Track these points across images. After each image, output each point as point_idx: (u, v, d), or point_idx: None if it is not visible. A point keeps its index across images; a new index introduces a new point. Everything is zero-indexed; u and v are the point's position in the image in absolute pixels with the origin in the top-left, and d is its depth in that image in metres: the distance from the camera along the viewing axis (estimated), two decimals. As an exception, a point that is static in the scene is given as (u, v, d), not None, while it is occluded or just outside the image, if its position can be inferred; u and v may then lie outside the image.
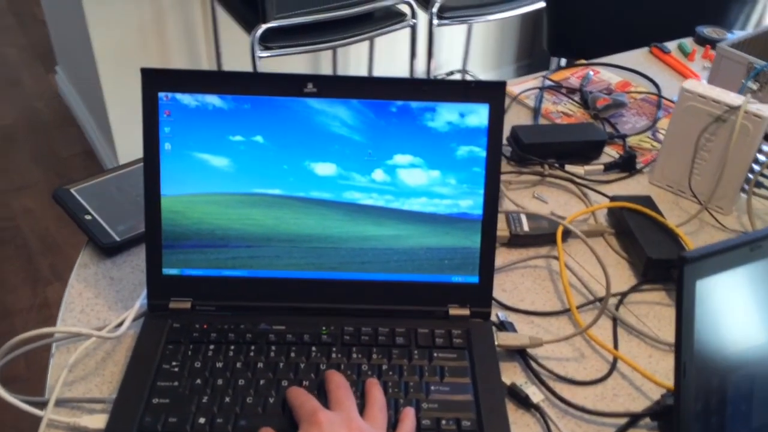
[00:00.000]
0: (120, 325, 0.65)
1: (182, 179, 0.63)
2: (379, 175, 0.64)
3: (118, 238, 0.75)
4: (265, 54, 1.67)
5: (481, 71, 2.79)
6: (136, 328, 0.65)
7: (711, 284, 0.49)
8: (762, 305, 0.51)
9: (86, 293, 0.71)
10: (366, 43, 2.38)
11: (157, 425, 0.56)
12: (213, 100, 0.63)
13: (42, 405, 0.58)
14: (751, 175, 0.83)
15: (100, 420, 0.56)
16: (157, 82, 0.62)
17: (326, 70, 2.40)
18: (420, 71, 2.13)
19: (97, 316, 0.68)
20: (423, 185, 0.65)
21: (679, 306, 0.48)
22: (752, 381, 0.52)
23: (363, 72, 2.46)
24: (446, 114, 0.64)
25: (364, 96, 0.63)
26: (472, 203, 0.65)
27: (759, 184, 0.86)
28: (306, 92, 0.63)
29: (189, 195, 0.64)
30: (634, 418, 0.61)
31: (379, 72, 2.48)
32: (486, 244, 0.66)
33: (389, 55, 2.45)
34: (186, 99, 0.62)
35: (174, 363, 0.61)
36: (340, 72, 2.42)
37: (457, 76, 2.70)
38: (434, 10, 1.86)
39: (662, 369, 0.66)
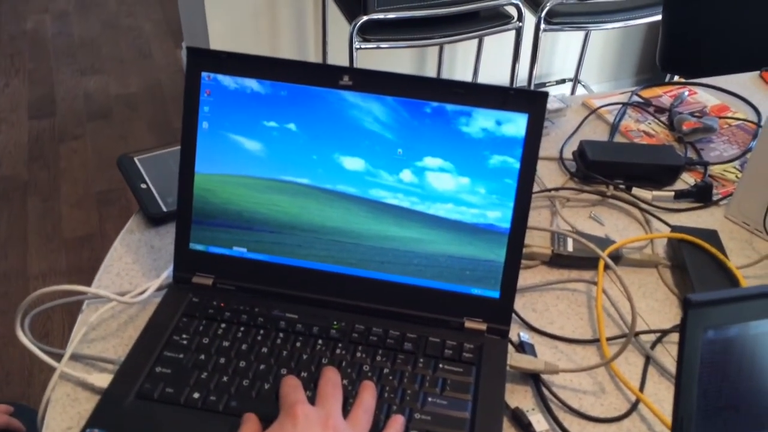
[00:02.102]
0: (143, 292, 0.67)
1: (216, 158, 0.65)
2: (407, 175, 0.63)
3: (165, 209, 0.78)
4: (362, 46, 1.68)
5: (595, 82, 2.68)
6: (161, 297, 0.68)
7: (725, 335, 0.44)
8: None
9: (126, 258, 0.74)
10: (473, 44, 2.34)
11: (154, 393, 0.58)
12: (252, 84, 0.64)
13: (58, 357, 0.62)
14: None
15: (106, 380, 0.59)
16: (201, 61, 0.64)
17: (431, 67, 2.39)
18: (522, 77, 2.07)
19: (130, 281, 0.72)
20: (451, 191, 0.63)
21: (681, 354, 0.43)
22: (765, 449, 0.46)
23: (468, 72, 2.43)
24: (482, 120, 0.61)
25: (400, 94, 0.62)
26: (500, 215, 0.62)
27: None
28: (341, 84, 0.62)
29: (221, 175, 0.65)
30: (642, 467, 0.56)
31: (484, 74, 2.43)
32: (511, 259, 0.63)
33: (496, 58, 2.40)
34: (227, 81, 0.64)
35: (184, 335, 0.62)
36: (445, 72, 2.40)
37: (568, 85, 2.60)
38: (542, 14, 1.80)
39: (689, 419, 0.60)
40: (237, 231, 0.66)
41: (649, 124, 1.00)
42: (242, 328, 0.63)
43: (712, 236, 0.76)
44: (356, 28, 1.65)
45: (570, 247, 0.75)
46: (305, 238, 0.65)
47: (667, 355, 0.67)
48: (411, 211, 0.64)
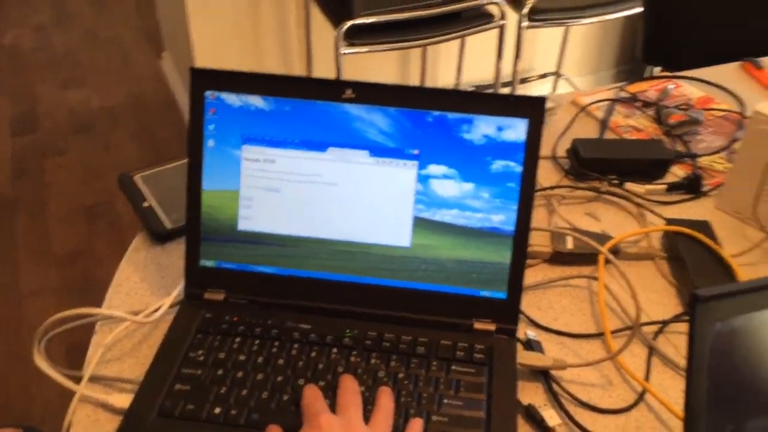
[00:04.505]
0: (156, 310, 0.68)
1: (223, 175, 0.66)
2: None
3: (170, 226, 0.79)
4: (348, 50, 1.69)
5: (576, 75, 2.71)
6: (173, 314, 0.69)
7: (732, 326, 0.46)
8: (791, 354, 0.48)
9: (134, 277, 0.75)
10: (455, 44, 2.36)
11: (175, 411, 0.59)
12: (256, 100, 0.65)
13: (76, 380, 0.63)
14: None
15: (126, 400, 0.60)
16: (204, 81, 0.65)
17: (415, 69, 2.40)
18: (506, 73, 2.09)
19: (140, 299, 0.72)
20: (455, 197, 0.64)
21: (690, 347, 0.45)
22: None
23: (451, 73, 2.44)
24: (483, 127, 0.63)
25: (402, 104, 0.63)
26: (504, 218, 0.64)
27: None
28: (344, 98, 0.64)
29: (228, 191, 0.67)
30: (654, 456, 0.58)
31: (468, 72, 2.45)
32: (516, 260, 0.65)
33: (479, 55, 2.42)
34: (231, 98, 0.65)
35: (200, 352, 0.64)
36: (429, 72, 2.41)
37: (550, 79, 2.63)
38: (525, 11, 1.82)
39: (695, 407, 0.63)
40: (246, 246, 0.67)
41: (637, 118, 1.02)
42: (257, 341, 0.65)
43: (704, 227, 0.78)
44: (341, 32, 1.66)
45: (569, 245, 0.77)
46: (315, 249, 0.67)
47: (669, 345, 0.69)
48: (417, 218, 0.65)
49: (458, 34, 1.82)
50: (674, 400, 0.63)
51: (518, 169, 0.63)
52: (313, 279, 0.67)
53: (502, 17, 1.82)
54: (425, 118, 0.63)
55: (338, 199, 0.65)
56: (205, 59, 2.07)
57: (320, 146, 0.65)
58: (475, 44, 2.37)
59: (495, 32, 1.87)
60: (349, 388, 0.58)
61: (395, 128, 0.64)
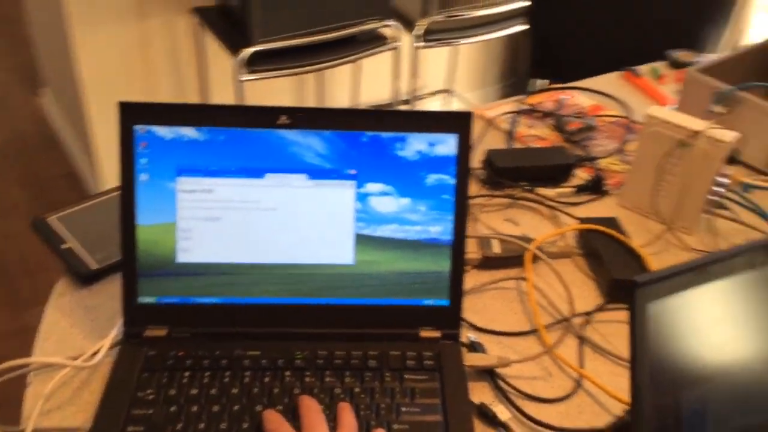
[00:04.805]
0: (95, 353, 0.66)
1: (158, 209, 0.65)
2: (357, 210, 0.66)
3: (94, 266, 0.77)
4: (247, 78, 1.69)
5: (466, 90, 2.83)
6: (112, 356, 0.66)
7: (663, 306, 0.51)
8: (712, 326, 0.53)
9: (62, 322, 0.72)
10: (351, 65, 2.41)
11: (133, 452, 0.57)
12: (189, 132, 0.65)
13: (18, 433, 0.59)
14: (712, 197, 0.86)
15: (76, 447, 0.58)
16: (133, 115, 0.64)
17: (311, 93, 2.42)
18: (403, 92, 2.16)
19: (73, 344, 0.70)
20: (394, 212, 0.67)
21: (632, 328, 0.50)
22: (705, 399, 0.54)
23: (347, 94, 2.49)
24: (416, 143, 0.66)
25: (337, 127, 0.65)
26: (441, 229, 0.67)
27: (720, 206, 0.89)
28: (279, 124, 0.65)
29: (165, 224, 0.66)
30: (599, 436, 0.63)
31: (365, 93, 2.51)
32: (456, 268, 0.68)
33: (374, 76, 2.48)
34: (162, 131, 0.64)
35: (149, 391, 0.62)
36: (326, 95, 2.44)
37: (442, 96, 2.73)
38: (417, 33, 1.89)
39: (625, 385, 0.68)
40: (187, 278, 0.66)
41: (540, 128, 1.10)
42: (207, 373, 0.64)
43: (613, 223, 0.85)
44: (240, 60, 1.66)
45: (497, 249, 0.81)
46: (258, 276, 0.67)
47: (597, 333, 0.74)
48: (359, 235, 0.67)
49: (355, 57, 1.86)
50: (608, 382, 0.68)
51: (452, 181, 0.66)
52: (259, 305, 0.67)
53: (396, 39, 1.88)
54: (360, 138, 0.65)
55: (279, 224, 0.66)
56: (94, 92, 1.99)
57: (258, 173, 0.65)
58: (368, 65, 2.43)
59: (390, 54, 1.93)
60: (311, 408, 0.59)
61: (332, 150, 0.65)
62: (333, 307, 0.68)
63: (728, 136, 0.81)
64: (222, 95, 2.18)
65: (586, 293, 0.80)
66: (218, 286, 0.67)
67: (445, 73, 2.67)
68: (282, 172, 0.65)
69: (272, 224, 0.66)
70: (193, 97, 2.17)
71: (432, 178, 0.66)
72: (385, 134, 0.66)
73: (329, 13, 1.74)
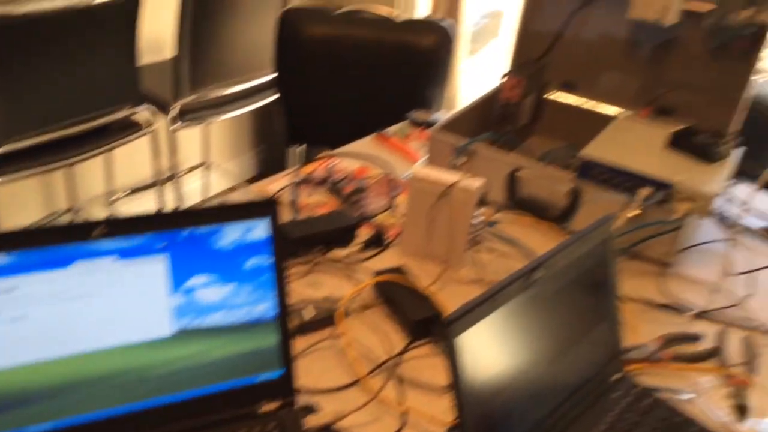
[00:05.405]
0: None
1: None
2: (178, 299, 0.70)
3: None
4: (-4, 181, 1.57)
5: (225, 161, 2.88)
6: None
7: (469, 335, 0.63)
8: (506, 342, 0.67)
9: None
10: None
11: None
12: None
13: None
14: (472, 235, 1.03)
15: None
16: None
17: (60, 187, 2.29)
18: (162, 171, 2.15)
19: None
20: (219, 300, 0.71)
21: (450, 359, 0.61)
22: (510, 401, 0.67)
23: (101, 183, 2.39)
24: (232, 233, 0.72)
25: (153, 230, 0.68)
26: (265, 306, 0.73)
27: (479, 241, 1.07)
28: (96, 234, 0.66)
29: (-19, 358, 0.63)
30: (433, 457, 0.73)
31: (120, 178, 2.43)
32: (283, 339, 0.74)
33: (130, 159, 2.42)
34: (-36, 263, 0.62)
35: None
36: (79, 187, 2.33)
37: (200, 170, 2.75)
38: (172, 115, 1.92)
39: (445, 407, 0.80)
40: (12, 410, 0.64)
41: (318, 195, 1.21)
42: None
43: (400, 271, 0.98)
44: (-16, 164, 1.54)
45: (309, 314, 0.89)
46: (89, 391, 0.66)
47: (410, 369, 0.85)
48: (188, 330, 0.70)
49: (109, 146, 1.83)
50: (429, 409, 0.79)
51: (269, 260, 0.73)
52: (94, 421, 0.67)
53: (151, 123, 1.89)
54: (178, 237, 0.69)
55: (93, 310, 0.67)
56: None
57: (63, 262, 0.65)
58: (123, 148, 2.37)
59: (145, 137, 1.92)
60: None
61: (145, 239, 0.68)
62: (171, 405, 0.70)
63: (475, 184, 0.99)
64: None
65: (392, 337, 0.91)
66: (48, 411, 0.65)
67: (202, 147, 2.70)
68: (90, 258, 0.66)
69: (84, 312, 0.66)
70: None
71: (251, 262, 0.72)
72: (201, 229, 0.70)
73: (77, 104, 1.70)
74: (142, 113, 1.87)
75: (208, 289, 0.71)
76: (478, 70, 2.66)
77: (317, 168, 1.29)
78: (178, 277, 0.69)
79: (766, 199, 1.31)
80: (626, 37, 1.31)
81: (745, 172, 1.25)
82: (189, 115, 2.00)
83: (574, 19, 1.35)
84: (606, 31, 1.33)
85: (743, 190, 1.28)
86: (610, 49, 1.33)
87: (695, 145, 1.12)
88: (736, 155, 1.15)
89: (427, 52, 1.77)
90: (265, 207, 0.73)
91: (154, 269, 0.68)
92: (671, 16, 1.17)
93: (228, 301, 0.72)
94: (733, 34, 1.16)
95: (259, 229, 0.73)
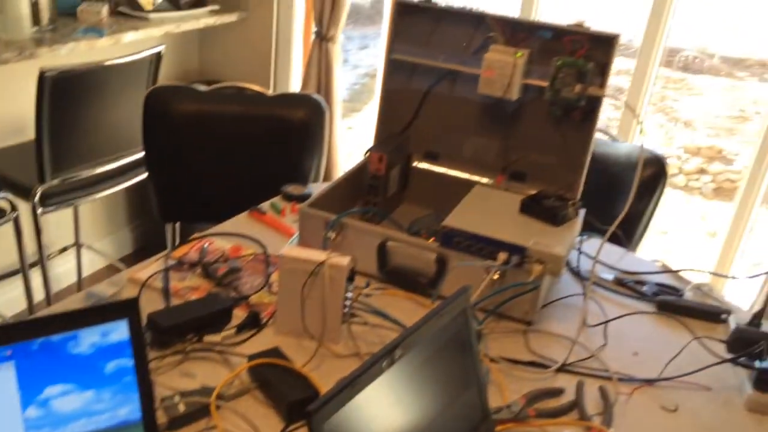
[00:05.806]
0: None
1: None
2: (32, 412, 0.67)
3: None
4: None
5: (96, 240, 2.77)
6: None
7: (338, 420, 0.64)
8: (382, 417, 0.69)
9: None
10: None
11: None
12: None
13: None
14: (345, 309, 1.06)
15: None
16: None
17: None
18: (30, 255, 2.04)
19: None
20: (79, 408, 0.69)
21: (316, 448, 0.62)
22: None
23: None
24: (89, 338, 0.70)
25: (3, 343, 0.66)
26: (130, 408, 0.72)
27: (352, 315, 1.10)
28: (-66, 355, 0.63)
29: None
30: None
31: (-21, 266, 2.28)
32: (151, 441, 0.73)
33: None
34: None
35: None
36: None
37: (72, 251, 2.63)
38: (36, 201, 1.84)
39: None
40: None
41: (191, 279, 1.19)
42: None
43: (276, 352, 0.99)
44: None
45: (181, 408, 0.87)
46: None
47: (288, 454, 0.85)
48: (46, 441, 0.67)
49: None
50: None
51: (130, 362, 0.72)
52: None
53: (14, 210, 1.80)
54: (30, 347, 0.67)
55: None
56: None
57: None
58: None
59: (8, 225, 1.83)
60: None
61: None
62: None
63: (344, 261, 1.02)
64: None
65: (270, 422, 0.90)
66: None
67: (71, 228, 2.58)
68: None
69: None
70: None
71: (111, 365, 0.71)
72: (55, 337, 0.68)
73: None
74: (3, 201, 1.78)
75: (65, 398, 0.68)
76: (361, 130, 2.75)
77: (189, 250, 1.28)
78: (29, 389, 0.67)
79: (613, 251, 1.43)
80: (480, 109, 1.41)
81: (593, 227, 1.36)
82: (55, 198, 1.93)
83: (431, 94, 1.44)
84: (461, 104, 1.42)
85: (593, 244, 1.39)
86: (465, 120, 1.43)
87: (544, 208, 1.21)
88: (581, 215, 1.26)
89: (300, 124, 1.82)
90: (124, 308, 0.72)
91: (1, 384, 0.65)
92: (514, 91, 1.28)
93: (89, 407, 0.70)
94: (570, 105, 1.28)
95: (119, 331, 0.72)
